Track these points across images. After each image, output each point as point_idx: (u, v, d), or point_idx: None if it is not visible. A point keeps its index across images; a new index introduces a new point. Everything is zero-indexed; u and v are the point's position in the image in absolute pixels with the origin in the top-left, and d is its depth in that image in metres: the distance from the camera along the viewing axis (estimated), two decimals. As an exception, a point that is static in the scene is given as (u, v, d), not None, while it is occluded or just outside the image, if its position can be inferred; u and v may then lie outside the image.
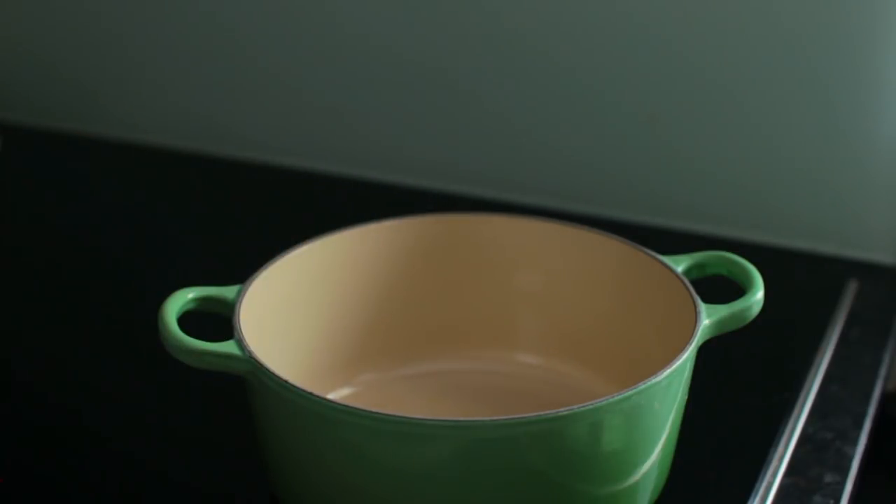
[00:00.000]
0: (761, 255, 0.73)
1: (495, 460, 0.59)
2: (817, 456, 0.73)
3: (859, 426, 0.76)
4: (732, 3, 0.93)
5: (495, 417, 0.60)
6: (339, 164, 1.08)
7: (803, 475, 0.71)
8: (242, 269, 0.70)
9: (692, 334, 0.64)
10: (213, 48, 1.11)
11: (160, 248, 0.97)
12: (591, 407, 0.59)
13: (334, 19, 1.05)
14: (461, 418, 0.70)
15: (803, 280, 0.92)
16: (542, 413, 0.59)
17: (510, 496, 0.60)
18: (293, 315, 0.73)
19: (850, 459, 0.73)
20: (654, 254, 0.71)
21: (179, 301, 0.66)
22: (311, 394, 0.60)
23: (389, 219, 0.76)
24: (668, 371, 0.61)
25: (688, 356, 0.63)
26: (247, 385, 0.64)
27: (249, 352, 0.62)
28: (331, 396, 0.68)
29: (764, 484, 0.70)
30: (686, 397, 0.65)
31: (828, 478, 0.71)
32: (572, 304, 0.76)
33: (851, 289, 0.90)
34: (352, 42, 1.05)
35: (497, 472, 0.59)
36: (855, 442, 0.74)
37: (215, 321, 0.66)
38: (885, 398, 0.82)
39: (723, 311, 0.66)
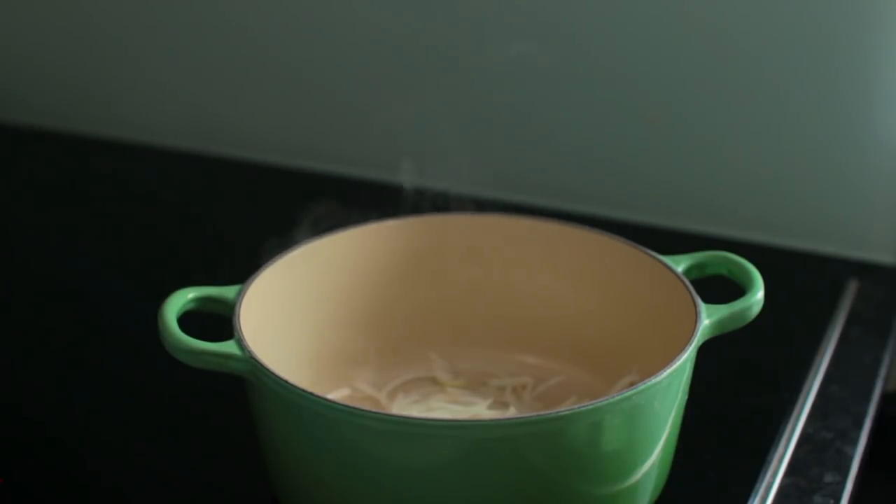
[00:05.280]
0: (761, 255, 0.73)
1: (495, 460, 0.59)
2: (817, 456, 0.73)
3: (859, 426, 0.76)
4: (734, 5, 0.93)
5: (495, 417, 0.60)
6: (338, 164, 1.08)
7: (803, 475, 0.71)
8: (242, 269, 0.70)
9: (692, 334, 0.64)
10: (213, 49, 1.11)
11: (160, 247, 0.97)
12: (591, 407, 0.59)
13: (335, 19, 1.05)
14: (461, 418, 0.71)
15: (803, 280, 0.92)
16: (542, 413, 0.59)
17: (510, 496, 0.60)
18: (293, 315, 0.73)
19: (850, 459, 0.73)
20: (654, 254, 0.71)
21: (179, 301, 0.66)
22: (311, 394, 0.60)
23: (389, 219, 0.77)
24: (668, 371, 0.61)
25: (688, 356, 0.63)
26: (247, 385, 0.64)
27: (249, 352, 0.62)
28: (331, 396, 0.68)
29: (764, 484, 0.70)
30: (686, 397, 0.65)
31: (828, 478, 0.71)
32: (572, 304, 0.76)
33: (851, 289, 0.90)
34: (352, 42, 1.05)
35: (497, 472, 0.59)
36: (855, 442, 0.74)
37: (215, 321, 0.66)
38: (885, 398, 0.82)
39: (723, 311, 0.66)
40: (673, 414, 0.64)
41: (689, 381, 0.65)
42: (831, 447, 0.74)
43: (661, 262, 0.71)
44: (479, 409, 0.72)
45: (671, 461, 0.67)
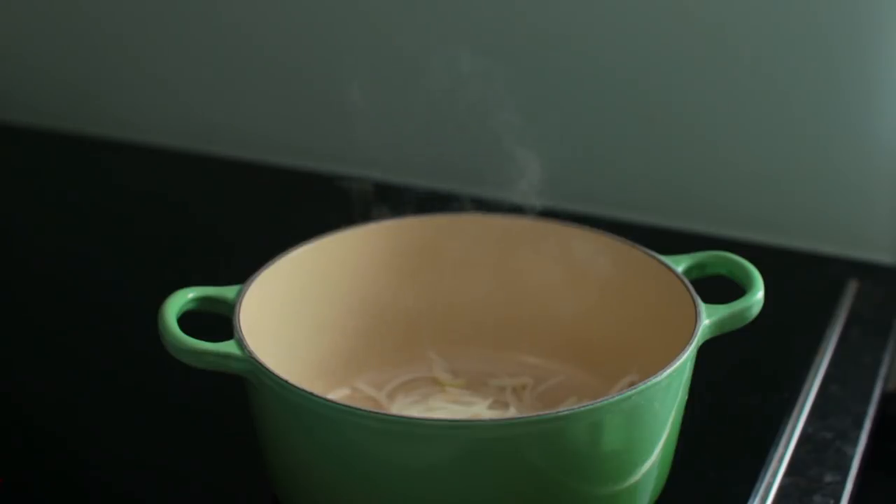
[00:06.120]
0: (761, 255, 0.73)
1: (495, 460, 0.59)
2: (817, 456, 0.73)
3: (859, 426, 0.76)
4: (734, 6, 0.93)
5: (495, 417, 0.60)
6: (339, 164, 1.08)
7: (803, 475, 0.71)
8: (242, 270, 0.70)
9: (692, 334, 0.64)
10: (214, 49, 1.11)
11: (160, 247, 0.97)
12: (591, 407, 0.59)
13: (335, 19, 1.05)
14: (461, 418, 0.71)
15: (803, 280, 0.92)
16: (542, 413, 0.59)
17: (510, 496, 0.60)
18: (293, 315, 0.73)
19: (849, 459, 0.73)
20: (654, 254, 0.71)
21: (179, 301, 0.66)
22: (311, 394, 0.60)
23: (389, 219, 0.76)
24: (668, 371, 0.61)
25: (688, 356, 0.63)
26: (247, 385, 0.64)
27: (249, 352, 0.62)
28: (331, 396, 0.68)
29: (764, 484, 0.70)
30: (686, 397, 0.65)
31: (828, 477, 0.71)
32: (572, 304, 0.76)
33: (851, 289, 0.90)
34: (351, 42, 1.05)
35: (497, 472, 0.59)
36: (855, 442, 0.74)
37: (215, 321, 0.66)
38: (885, 398, 0.82)
39: (723, 311, 0.66)
40: (673, 414, 0.64)
41: (689, 381, 0.65)
42: (831, 447, 0.74)
43: (661, 262, 0.71)
44: (479, 409, 0.72)
45: (671, 461, 0.67)
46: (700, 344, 0.65)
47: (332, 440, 0.60)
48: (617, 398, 0.60)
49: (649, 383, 0.60)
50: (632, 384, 0.67)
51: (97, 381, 0.80)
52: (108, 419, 0.77)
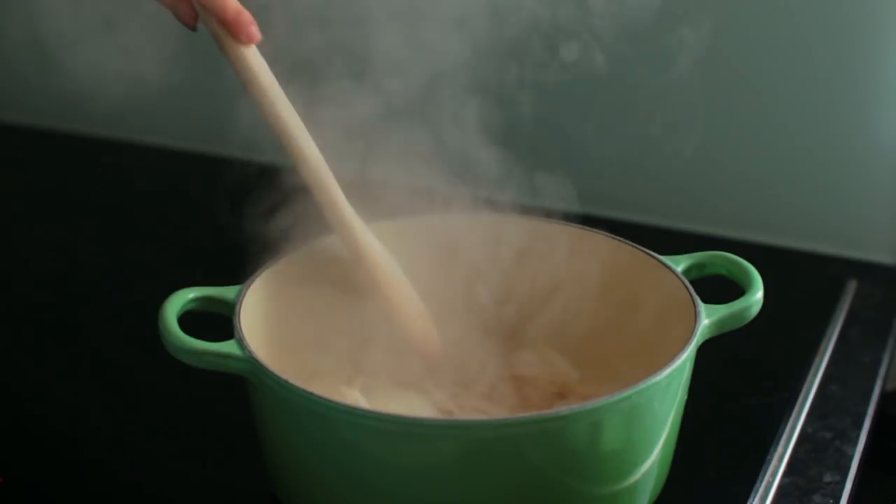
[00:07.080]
0: (761, 255, 0.73)
1: (495, 460, 0.59)
2: (816, 455, 0.73)
3: (859, 426, 0.76)
4: (733, 8, 0.93)
5: (495, 417, 0.60)
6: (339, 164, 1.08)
7: (803, 475, 0.71)
8: (242, 270, 0.70)
9: (692, 334, 0.64)
10: (214, 49, 1.11)
11: (161, 247, 0.97)
12: (591, 407, 0.59)
13: (337, 21, 1.05)
14: (461, 418, 0.71)
15: (803, 280, 0.93)
16: (542, 413, 0.59)
17: (510, 496, 0.60)
18: (293, 315, 0.73)
19: (849, 459, 0.73)
20: (654, 254, 0.71)
21: (180, 301, 0.66)
22: (311, 394, 0.60)
23: (390, 220, 0.76)
24: (668, 371, 0.61)
25: (687, 356, 0.63)
26: (247, 385, 0.64)
27: (249, 352, 0.62)
28: (331, 396, 0.68)
29: (764, 483, 0.70)
30: (686, 397, 0.65)
31: (827, 477, 0.71)
32: (572, 304, 0.76)
33: (851, 289, 0.90)
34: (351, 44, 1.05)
35: (497, 472, 0.59)
36: (854, 441, 0.74)
37: (215, 321, 0.66)
38: (885, 398, 0.82)
39: (722, 311, 0.66)
40: (673, 414, 0.64)
41: (688, 381, 0.65)
42: (831, 447, 0.74)
43: (661, 262, 0.71)
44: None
45: (671, 461, 0.67)
46: (699, 344, 0.65)
47: (332, 440, 0.60)
48: (616, 398, 0.60)
49: (649, 383, 0.60)
50: (631, 384, 0.67)
51: (97, 381, 0.80)
52: (109, 419, 0.77)
